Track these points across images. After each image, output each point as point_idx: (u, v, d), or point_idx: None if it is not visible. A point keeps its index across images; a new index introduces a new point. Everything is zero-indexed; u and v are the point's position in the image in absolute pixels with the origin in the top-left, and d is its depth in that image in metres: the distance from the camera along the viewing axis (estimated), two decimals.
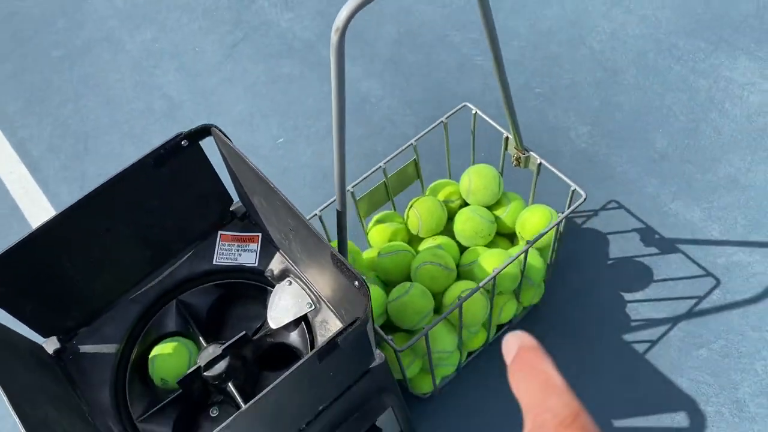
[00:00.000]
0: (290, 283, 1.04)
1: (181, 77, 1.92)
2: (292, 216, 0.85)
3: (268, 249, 1.06)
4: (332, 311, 0.99)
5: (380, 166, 1.19)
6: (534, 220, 1.18)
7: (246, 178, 0.95)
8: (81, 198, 0.89)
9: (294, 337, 1.02)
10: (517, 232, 1.23)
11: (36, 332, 0.97)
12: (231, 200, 1.09)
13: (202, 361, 0.97)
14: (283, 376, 0.72)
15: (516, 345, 0.34)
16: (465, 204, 1.28)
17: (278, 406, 0.79)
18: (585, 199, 1.10)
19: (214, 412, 1.03)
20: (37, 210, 1.72)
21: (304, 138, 1.74)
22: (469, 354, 1.31)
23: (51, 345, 0.99)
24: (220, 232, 1.09)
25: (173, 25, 2.03)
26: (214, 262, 1.07)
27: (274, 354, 1.04)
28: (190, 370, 0.97)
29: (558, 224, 1.11)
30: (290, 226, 0.90)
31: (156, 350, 1.02)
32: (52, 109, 1.90)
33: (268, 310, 1.03)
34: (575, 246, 1.45)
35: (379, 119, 1.73)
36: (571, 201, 1.15)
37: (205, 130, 0.93)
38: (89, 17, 2.10)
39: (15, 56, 2.03)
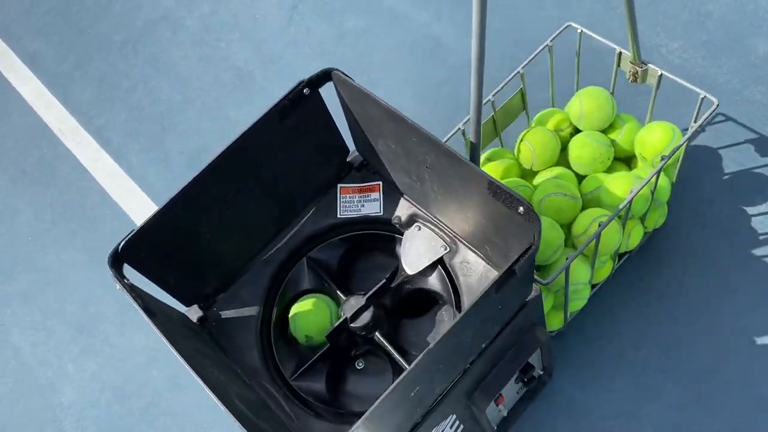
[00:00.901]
0: (419, 228, 1.02)
1: (245, 46, 1.89)
2: (433, 148, 0.81)
3: (392, 196, 1.03)
4: (472, 251, 0.96)
5: (489, 99, 1.14)
6: (656, 138, 1.13)
7: (370, 121, 0.92)
8: (213, 160, 0.87)
9: (433, 281, 0.99)
10: (637, 153, 1.17)
11: (179, 302, 0.97)
12: (347, 151, 1.06)
13: (347, 312, 0.96)
14: (465, 312, 0.70)
15: None
16: (576, 131, 1.22)
17: (456, 344, 0.77)
18: (718, 106, 1.04)
19: (359, 365, 1.02)
20: (127, 194, 1.72)
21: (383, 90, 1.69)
22: (593, 287, 1.27)
23: (194, 313, 0.99)
24: (339, 186, 1.06)
25: None
26: (338, 216, 1.05)
27: (411, 301, 1.02)
28: (337, 323, 0.95)
29: (690, 138, 1.05)
30: (427, 162, 0.86)
31: (295, 308, 1.01)
32: (122, 94, 1.89)
33: (402, 257, 1.01)
34: (687, 164, 1.39)
35: (456, 62, 1.68)
36: (699, 111, 1.09)
37: (326, 75, 0.90)
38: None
39: (78, 46, 2.02)
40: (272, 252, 1.03)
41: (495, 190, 0.75)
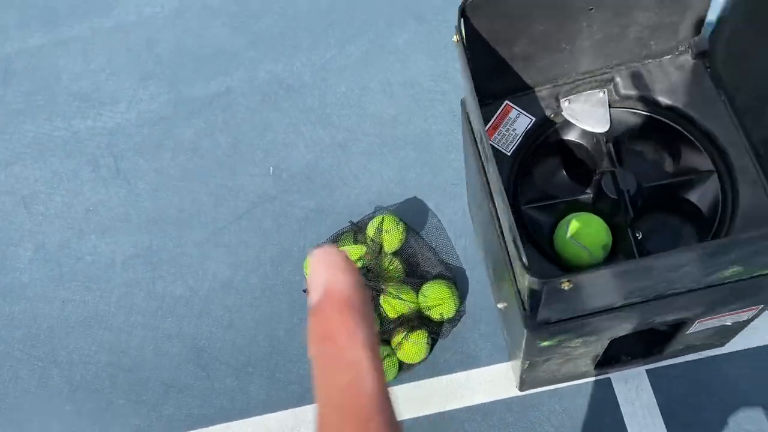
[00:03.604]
0: (569, 101, 1.04)
1: None
2: None
3: (526, 99, 1.03)
4: (630, 66, 1.00)
5: None
6: None
7: (514, 21, 0.89)
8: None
9: (623, 120, 1.02)
10: None
11: None
12: None
13: (624, 186, 0.95)
14: None
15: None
16: None
17: None
18: None
19: (638, 234, 1.01)
20: None
21: None
22: None
23: None
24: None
25: None
26: (508, 154, 1.01)
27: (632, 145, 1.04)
28: (629, 198, 0.94)
29: None
30: (591, 2, 0.88)
31: (569, 242, 0.96)
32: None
33: (585, 128, 1.02)
34: None
35: None
36: None
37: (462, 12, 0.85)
38: None
39: None
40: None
41: None
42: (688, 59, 1.00)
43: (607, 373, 1.25)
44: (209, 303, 1.47)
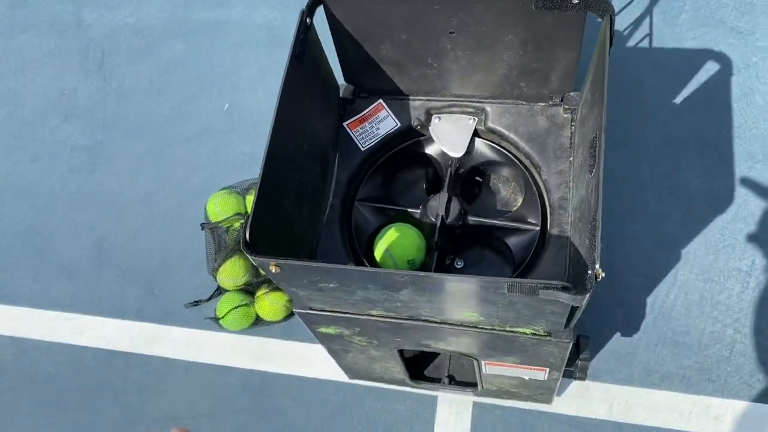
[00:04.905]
0: (438, 118, 1.05)
1: (75, 123, 1.71)
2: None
3: (399, 105, 1.05)
4: (505, 103, 1.01)
5: None
6: None
7: (373, 25, 0.92)
8: (274, 120, 0.82)
9: (481, 152, 1.03)
10: None
11: None
12: (338, 86, 1.05)
13: (439, 211, 0.97)
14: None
15: None
16: None
17: None
18: None
19: (458, 264, 1.03)
20: (47, 322, 1.47)
21: None
22: None
23: None
24: (345, 124, 1.05)
25: None
26: (362, 150, 1.04)
27: (471, 180, 1.06)
28: (438, 225, 0.96)
29: None
30: (450, 26, 0.89)
31: (382, 245, 0.98)
32: None
33: (442, 148, 1.03)
34: None
35: None
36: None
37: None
38: None
39: None
40: (328, 211, 0.99)
41: None
42: (559, 111, 1.00)
43: (431, 390, 1.28)
44: (127, 207, 1.58)
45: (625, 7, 1.61)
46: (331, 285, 0.80)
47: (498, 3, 0.85)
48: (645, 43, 1.56)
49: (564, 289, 0.66)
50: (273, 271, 0.74)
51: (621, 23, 1.59)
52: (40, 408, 1.40)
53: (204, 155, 1.61)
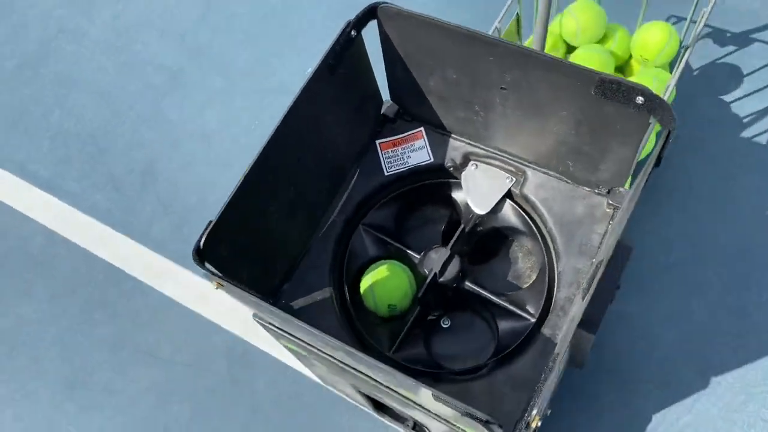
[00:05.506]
0: (476, 166, 0.96)
1: (167, 42, 1.73)
2: (519, 61, 0.76)
3: (439, 139, 0.97)
4: (547, 174, 0.91)
5: (495, 27, 1.11)
6: (657, 37, 1.14)
7: (426, 55, 0.84)
8: (277, 126, 0.77)
9: (507, 217, 0.95)
10: (637, 56, 1.19)
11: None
12: (381, 102, 0.98)
13: (434, 266, 0.89)
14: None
15: None
16: (570, 49, 1.22)
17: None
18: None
19: (445, 323, 0.95)
20: (80, 228, 1.53)
21: None
22: None
23: None
24: (378, 142, 0.98)
25: None
26: (386, 173, 0.97)
27: (486, 243, 0.97)
28: (428, 281, 0.89)
29: (699, 30, 1.07)
30: (503, 82, 0.80)
31: (368, 280, 0.93)
32: (37, 121, 1.67)
33: (468, 199, 0.95)
34: None
35: None
36: (697, 5, 1.12)
37: (371, 12, 0.81)
38: (30, 15, 1.84)
39: None
40: (327, 226, 0.94)
41: (608, 86, 0.71)
42: (602, 203, 0.88)
43: (396, 425, 1.22)
44: (183, 140, 1.59)
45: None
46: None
47: (555, 76, 0.75)
48: None
49: (486, 424, 0.59)
50: (215, 287, 0.71)
51: None
52: (51, 298, 1.46)
53: (269, 113, 1.59)
